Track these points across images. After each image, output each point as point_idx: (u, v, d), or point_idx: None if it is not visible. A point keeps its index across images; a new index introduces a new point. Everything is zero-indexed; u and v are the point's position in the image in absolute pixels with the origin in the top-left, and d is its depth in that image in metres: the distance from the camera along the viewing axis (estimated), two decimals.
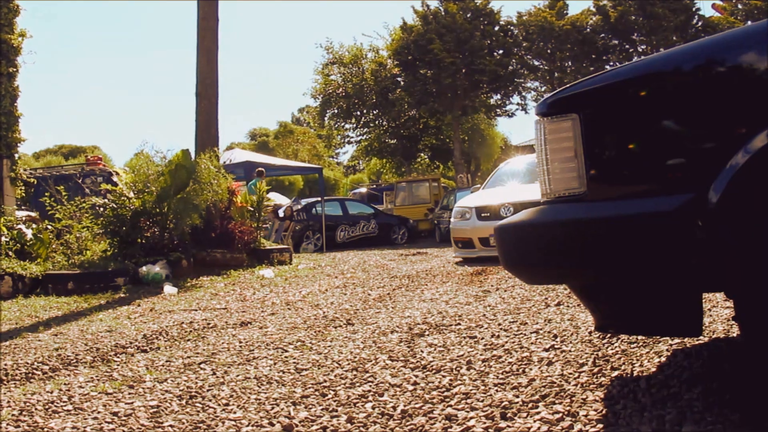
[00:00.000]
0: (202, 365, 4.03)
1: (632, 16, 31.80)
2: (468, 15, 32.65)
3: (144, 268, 9.41)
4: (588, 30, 32.74)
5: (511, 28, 34.05)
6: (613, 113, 2.44)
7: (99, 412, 3.11)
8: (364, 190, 35.73)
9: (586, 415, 2.64)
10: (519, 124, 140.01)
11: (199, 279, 9.61)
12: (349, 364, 3.81)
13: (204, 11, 12.81)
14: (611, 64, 33.60)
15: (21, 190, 11.62)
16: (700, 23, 32.46)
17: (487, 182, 13.13)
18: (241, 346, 4.56)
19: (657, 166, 2.31)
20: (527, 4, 61.83)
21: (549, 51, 33.15)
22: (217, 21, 12.92)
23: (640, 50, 33.45)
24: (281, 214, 18.70)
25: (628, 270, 2.35)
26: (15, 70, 11.24)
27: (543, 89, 35.18)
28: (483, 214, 10.92)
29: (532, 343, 4.04)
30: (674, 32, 31.08)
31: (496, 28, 33.51)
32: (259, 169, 16.45)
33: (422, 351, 4.04)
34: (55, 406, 3.25)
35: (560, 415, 2.67)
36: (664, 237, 2.23)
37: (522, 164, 13.09)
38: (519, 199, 10.39)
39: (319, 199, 20.77)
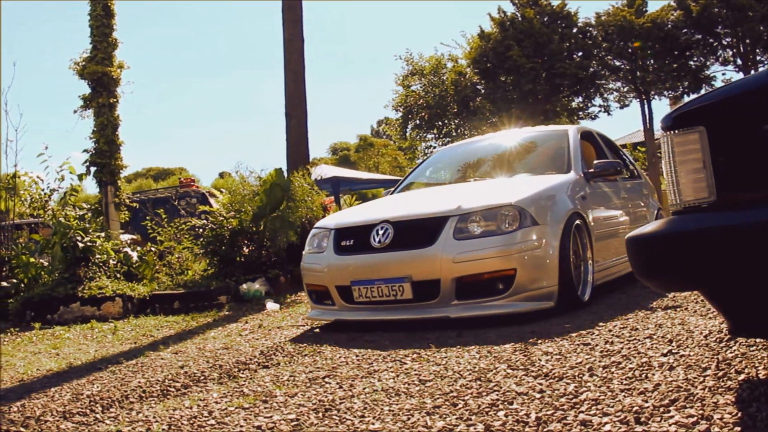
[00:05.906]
0: (326, 379, 4.18)
1: (715, 9, 30.92)
2: (545, 19, 32.44)
3: (244, 286, 9.71)
4: (669, 26, 32.03)
5: (590, 29, 33.59)
6: (740, 123, 2.50)
7: (242, 426, 3.28)
8: None
9: (721, 419, 2.67)
10: (602, 125, 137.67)
11: (298, 295, 9.84)
12: (470, 374, 3.90)
13: (290, 33, 13.18)
14: (695, 60, 32.83)
15: (125, 214, 12.14)
16: None
17: (402, 182, 8.44)
18: (358, 360, 4.70)
19: None
20: (605, 4, 60.77)
21: (630, 50, 32.56)
22: (302, 42, 13.26)
23: (725, 43, 32.55)
24: None
25: (763, 274, 2.39)
26: (115, 100, 11.80)
27: (625, 89, 34.61)
28: (344, 242, 6.19)
29: (648, 349, 4.06)
30: (761, 23, 30.10)
31: (575, 31, 33.16)
32: None
33: (539, 359, 4.11)
34: (199, 420, 3.45)
35: (695, 418, 2.71)
36: None
37: (474, 149, 8.73)
38: (406, 213, 6.03)
39: None
